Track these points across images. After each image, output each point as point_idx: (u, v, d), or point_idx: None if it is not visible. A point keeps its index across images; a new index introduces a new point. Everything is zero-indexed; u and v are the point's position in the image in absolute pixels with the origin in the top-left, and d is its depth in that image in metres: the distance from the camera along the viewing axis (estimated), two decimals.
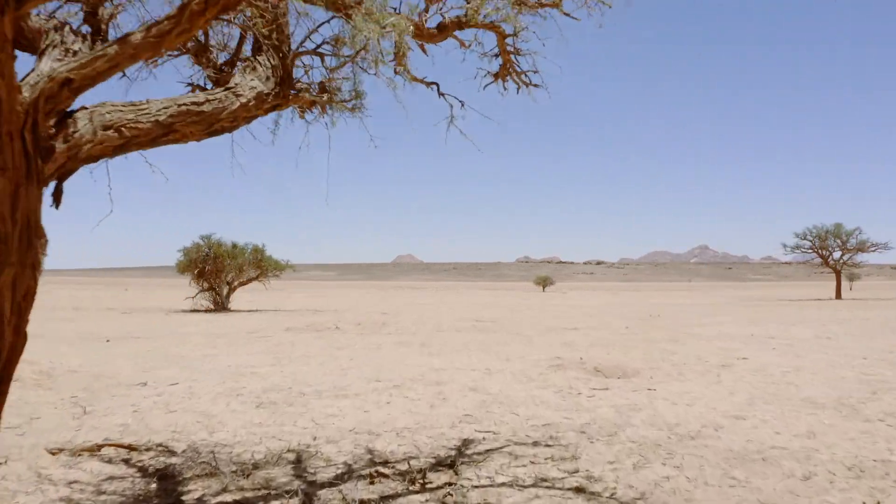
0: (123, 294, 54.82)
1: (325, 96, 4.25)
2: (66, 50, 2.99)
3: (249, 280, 31.13)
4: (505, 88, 5.18)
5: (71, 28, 3.18)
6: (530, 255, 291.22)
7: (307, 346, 14.38)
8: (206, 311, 29.38)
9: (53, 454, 5.59)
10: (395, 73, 4.29)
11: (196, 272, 29.96)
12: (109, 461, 5.47)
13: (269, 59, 3.74)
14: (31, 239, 2.53)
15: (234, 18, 3.90)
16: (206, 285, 30.49)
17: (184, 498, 4.59)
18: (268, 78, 3.73)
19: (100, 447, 5.82)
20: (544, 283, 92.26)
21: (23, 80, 2.70)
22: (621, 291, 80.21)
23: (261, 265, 30.41)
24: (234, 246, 29.92)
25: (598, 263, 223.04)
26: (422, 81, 4.72)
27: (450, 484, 4.81)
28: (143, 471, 5.21)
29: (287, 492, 4.67)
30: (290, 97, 3.86)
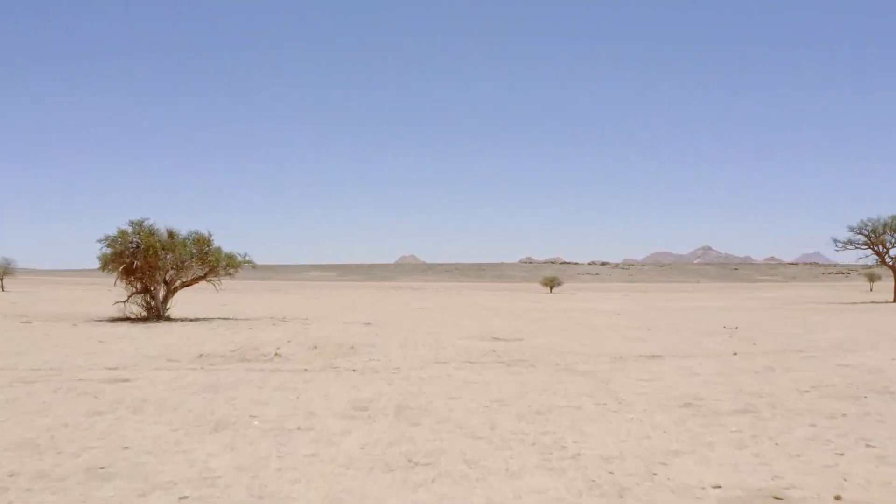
0: (99, 294, 47.00)
1: None
2: None
3: (195, 280, 23.31)
4: None
5: None
6: (533, 255, 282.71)
7: (152, 424, 6.53)
8: (137, 319, 21.64)
9: None
10: None
11: (122, 269, 22.19)
12: None
13: None
14: None
15: None
16: (139, 286, 22.74)
17: None
18: None
19: None
20: (551, 283, 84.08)
21: None
22: (632, 293, 72.07)
23: (206, 259, 22.57)
24: (171, 235, 22.10)
25: (603, 264, 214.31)
26: None
27: None
28: None
29: None
30: None
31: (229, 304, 35.89)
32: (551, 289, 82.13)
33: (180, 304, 33.11)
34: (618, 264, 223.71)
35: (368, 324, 20.59)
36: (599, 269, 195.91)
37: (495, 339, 15.76)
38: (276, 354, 12.21)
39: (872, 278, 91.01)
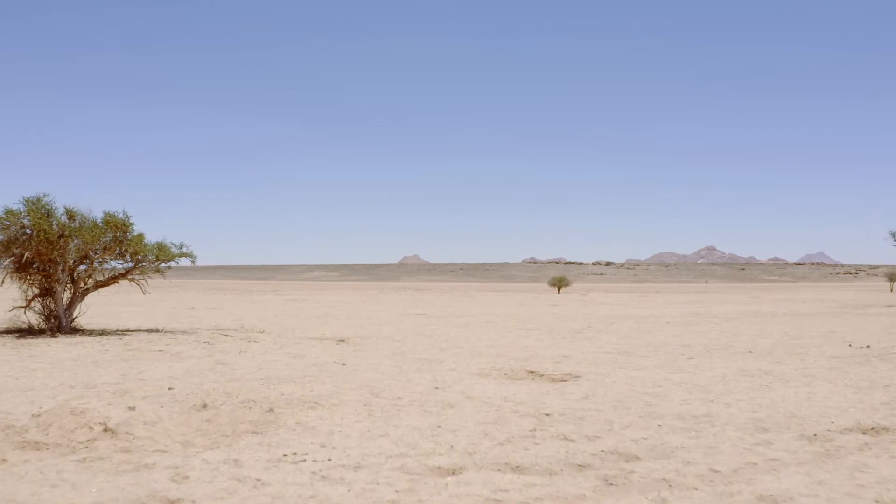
0: None
1: None
2: None
3: (114, 278, 16.90)
4: None
5: None
6: (536, 255, 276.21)
7: None
8: (33, 331, 15.38)
9: None
10: None
11: (13, 262, 15.87)
12: None
13: None
14: None
15: None
16: (42, 286, 16.39)
17: None
18: None
19: None
20: (560, 284, 77.37)
21: None
22: (648, 294, 65.39)
23: (125, 249, 16.14)
24: (72, 216, 15.69)
25: (608, 264, 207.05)
26: None
27: None
28: None
29: None
30: None
31: (199, 308, 29.58)
32: (559, 289, 75.61)
33: (133, 305, 26.61)
34: (622, 264, 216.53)
35: (342, 341, 14.17)
36: (605, 270, 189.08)
37: (533, 374, 9.36)
38: (105, 430, 5.81)
39: (894, 278, 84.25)
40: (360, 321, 21.17)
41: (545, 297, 50.01)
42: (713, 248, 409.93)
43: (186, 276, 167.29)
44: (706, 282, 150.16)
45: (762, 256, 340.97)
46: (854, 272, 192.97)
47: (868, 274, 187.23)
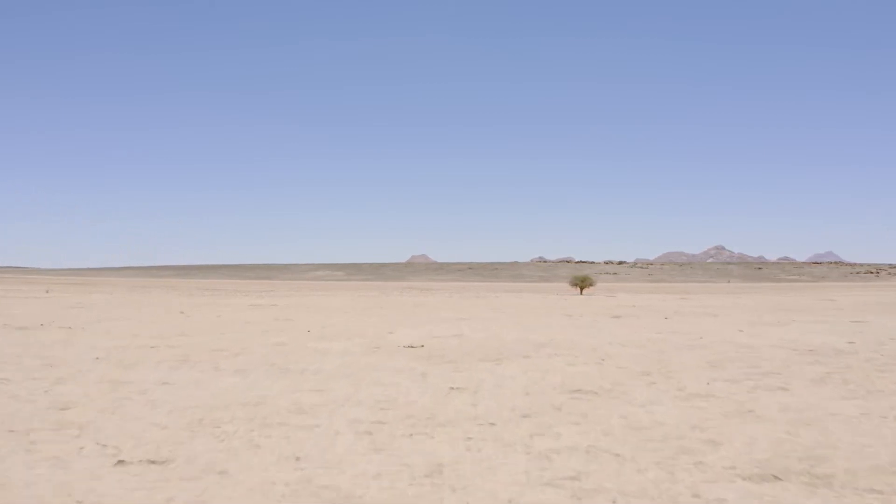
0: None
1: None
2: None
3: None
4: None
5: None
6: (544, 255, 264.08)
7: None
8: None
9: None
10: None
11: None
12: None
13: None
14: None
15: None
16: None
17: None
18: None
19: None
20: (583, 284, 65.11)
21: None
22: (683, 294, 53.01)
23: None
24: None
25: (620, 263, 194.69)
26: None
27: None
28: None
29: None
30: None
31: (77, 313, 17.94)
32: (582, 290, 63.60)
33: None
34: (634, 263, 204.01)
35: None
36: (617, 269, 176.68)
37: None
38: None
39: None
40: (275, 372, 9.28)
41: (576, 300, 37.91)
42: (722, 248, 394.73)
43: (187, 275, 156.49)
44: (728, 281, 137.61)
45: (772, 256, 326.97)
46: (875, 271, 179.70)
47: (889, 273, 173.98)
